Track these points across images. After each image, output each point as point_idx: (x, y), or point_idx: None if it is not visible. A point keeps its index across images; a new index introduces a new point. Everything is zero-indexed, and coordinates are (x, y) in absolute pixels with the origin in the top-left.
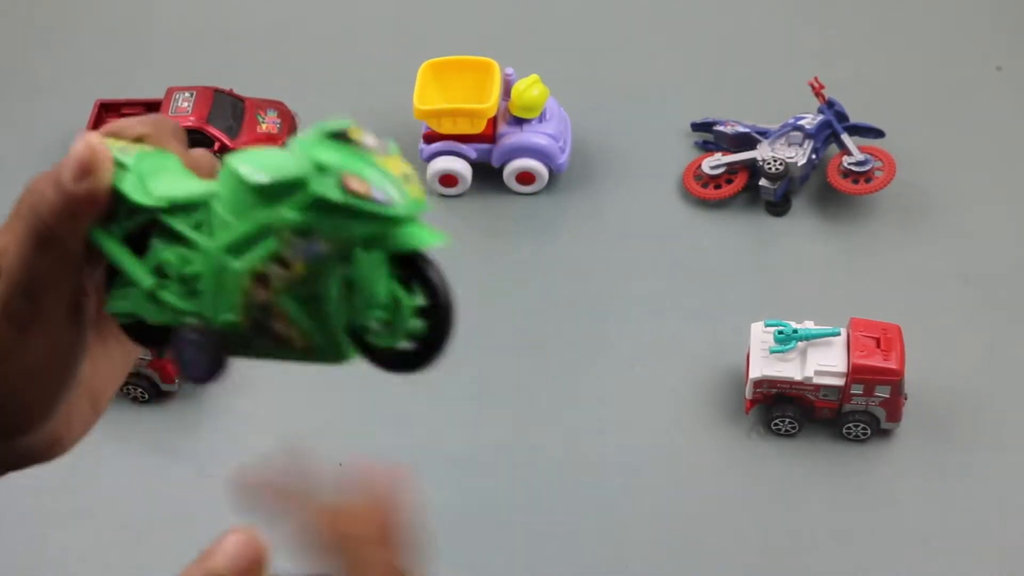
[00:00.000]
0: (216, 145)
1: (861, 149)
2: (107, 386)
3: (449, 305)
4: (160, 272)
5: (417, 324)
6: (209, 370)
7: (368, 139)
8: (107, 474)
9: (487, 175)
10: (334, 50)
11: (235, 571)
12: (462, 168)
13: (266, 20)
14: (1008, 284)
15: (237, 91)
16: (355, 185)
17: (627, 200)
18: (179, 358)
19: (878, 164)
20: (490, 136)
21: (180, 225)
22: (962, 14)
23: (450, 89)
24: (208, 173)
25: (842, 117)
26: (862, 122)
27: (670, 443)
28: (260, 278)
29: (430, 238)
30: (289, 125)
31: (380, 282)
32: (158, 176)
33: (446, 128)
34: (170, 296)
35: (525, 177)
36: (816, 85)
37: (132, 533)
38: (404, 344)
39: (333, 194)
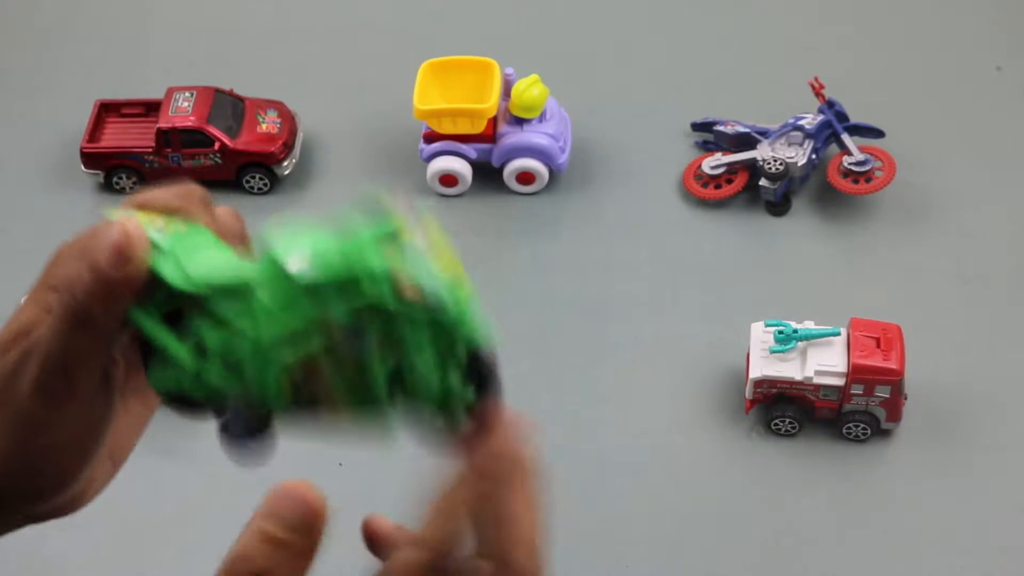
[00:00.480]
0: (216, 145)
1: (861, 149)
2: (127, 443)
3: (500, 394)
4: (200, 349)
5: (469, 409)
6: (254, 447)
7: (417, 237)
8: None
9: (487, 175)
10: (334, 50)
11: (291, 530)
12: (462, 168)
13: (266, 20)
14: (1008, 284)
15: (237, 91)
16: (409, 292)
17: (627, 200)
18: (225, 436)
19: (878, 164)
20: (490, 136)
21: (224, 311)
22: (962, 14)
23: (450, 89)
24: (237, 235)
25: (842, 117)
26: (862, 122)
27: (670, 443)
28: (309, 368)
29: (481, 338)
30: (289, 125)
31: (433, 377)
32: (194, 256)
33: (446, 128)
34: (214, 377)
35: (525, 177)
36: (816, 85)
37: (132, 533)
38: (457, 426)
39: (388, 301)
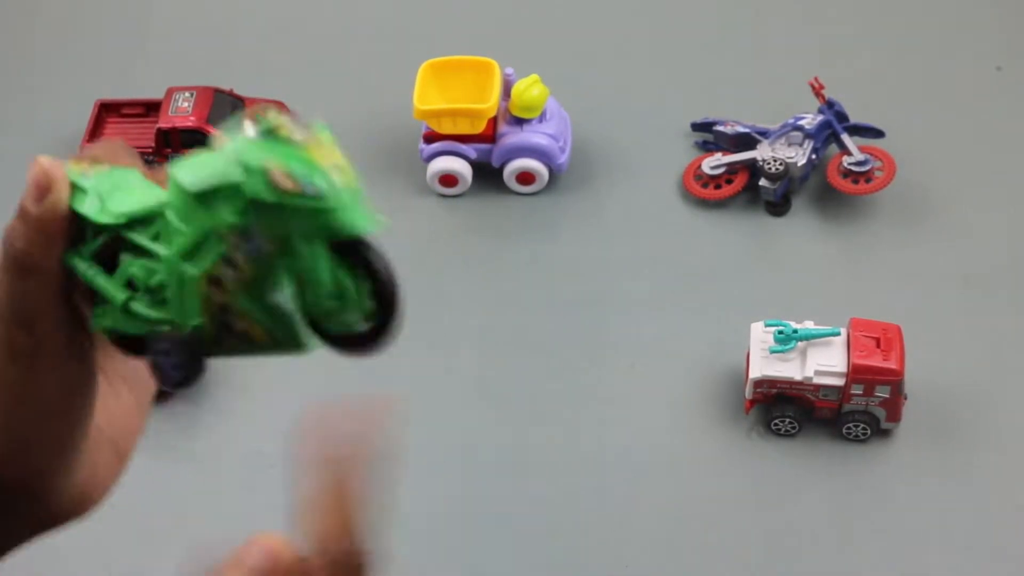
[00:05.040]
0: None
1: (861, 149)
2: (127, 433)
3: (393, 284)
4: (131, 286)
5: (367, 306)
6: (185, 375)
7: (296, 132)
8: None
9: (487, 175)
10: (334, 50)
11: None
12: (462, 168)
13: (266, 20)
14: (1008, 284)
15: (237, 91)
16: (283, 182)
17: (627, 200)
18: (155, 367)
19: (878, 164)
20: (490, 136)
21: (140, 238)
22: (962, 14)
23: (450, 89)
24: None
25: (842, 117)
26: (862, 122)
27: (670, 443)
28: (214, 280)
29: (363, 223)
30: None
31: (324, 271)
32: (117, 193)
33: (446, 128)
34: (141, 307)
35: (525, 177)
36: (816, 85)
37: (132, 533)
38: (358, 327)
39: (264, 194)
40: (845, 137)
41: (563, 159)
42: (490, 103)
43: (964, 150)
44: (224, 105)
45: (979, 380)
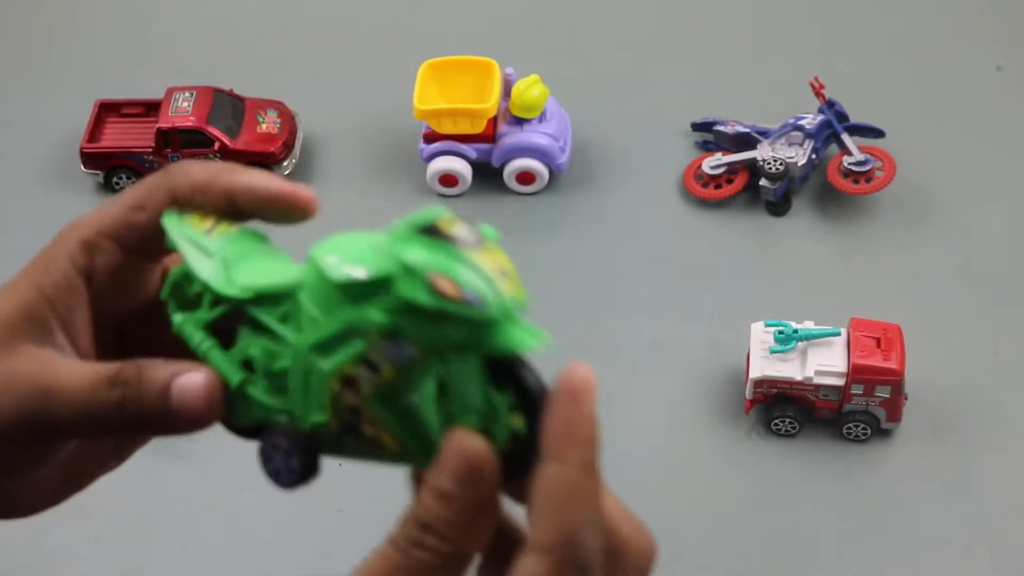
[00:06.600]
0: (216, 145)
1: (861, 149)
2: (89, 469)
3: (546, 408)
4: (247, 366)
5: (514, 426)
6: (299, 476)
7: (460, 231)
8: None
9: (487, 175)
10: (334, 50)
11: (461, 484)
12: (462, 168)
13: (266, 20)
14: (1008, 284)
15: (237, 91)
16: (444, 287)
17: (627, 200)
18: (267, 466)
19: (878, 164)
20: (490, 136)
21: (267, 318)
22: (962, 14)
23: (450, 89)
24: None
25: (842, 117)
26: (862, 122)
27: (670, 443)
28: (348, 380)
29: (526, 341)
30: (289, 125)
31: (474, 386)
32: (244, 262)
33: (446, 128)
34: (258, 392)
35: (525, 177)
36: (816, 85)
37: (132, 533)
38: (500, 446)
39: (421, 297)
40: (845, 137)
41: (563, 159)
42: (490, 103)
43: (964, 150)
44: (224, 105)
45: (979, 380)
